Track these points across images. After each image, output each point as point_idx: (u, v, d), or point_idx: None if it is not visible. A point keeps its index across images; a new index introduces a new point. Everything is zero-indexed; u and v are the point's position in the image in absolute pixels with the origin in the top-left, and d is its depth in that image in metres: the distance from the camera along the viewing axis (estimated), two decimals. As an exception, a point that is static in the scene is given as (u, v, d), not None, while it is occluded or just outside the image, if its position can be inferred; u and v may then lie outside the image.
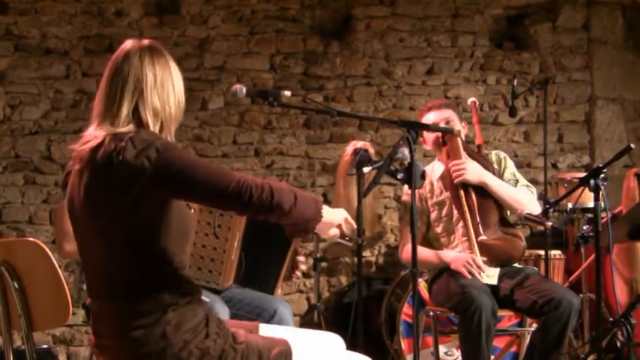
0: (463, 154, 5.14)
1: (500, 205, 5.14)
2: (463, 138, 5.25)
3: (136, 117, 2.98)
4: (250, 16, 7.72)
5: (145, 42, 3.10)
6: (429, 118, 5.29)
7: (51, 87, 7.45)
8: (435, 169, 5.42)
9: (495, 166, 5.32)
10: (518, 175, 5.30)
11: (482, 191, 5.09)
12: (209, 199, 2.98)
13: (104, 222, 2.95)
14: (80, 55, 7.50)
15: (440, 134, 5.20)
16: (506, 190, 5.11)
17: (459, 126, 5.32)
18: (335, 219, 3.23)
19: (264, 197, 2.88)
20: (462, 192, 5.06)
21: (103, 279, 3.02)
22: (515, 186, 5.20)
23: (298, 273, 4.54)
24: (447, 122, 5.26)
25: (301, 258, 4.66)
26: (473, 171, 5.08)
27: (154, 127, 3.00)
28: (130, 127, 2.96)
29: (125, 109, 2.97)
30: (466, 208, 5.02)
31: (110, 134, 2.94)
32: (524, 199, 5.05)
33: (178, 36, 7.56)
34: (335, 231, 3.24)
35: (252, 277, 4.44)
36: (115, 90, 3.00)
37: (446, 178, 5.20)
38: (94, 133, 2.99)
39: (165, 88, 3.04)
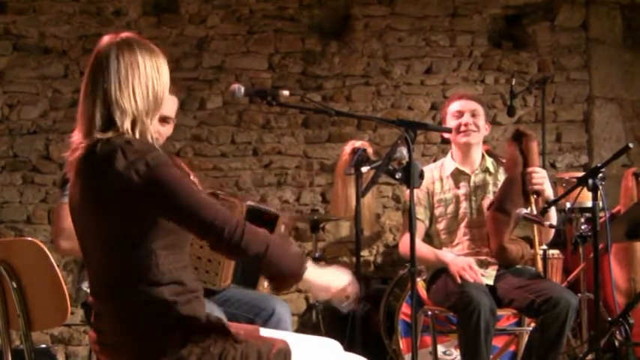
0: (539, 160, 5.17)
1: None
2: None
3: (110, 119, 2.95)
4: (249, 16, 7.73)
5: (117, 38, 3.05)
6: (455, 106, 5.33)
7: (49, 86, 7.45)
8: (445, 166, 5.43)
9: None
10: None
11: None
12: (187, 224, 2.94)
13: (100, 226, 2.96)
14: (78, 54, 7.50)
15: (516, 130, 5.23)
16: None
17: (483, 123, 5.33)
18: (331, 285, 3.17)
19: (234, 238, 2.87)
20: (532, 198, 5.04)
21: (103, 279, 3.03)
22: None
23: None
24: (473, 114, 5.28)
25: None
26: (548, 183, 5.10)
27: (123, 125, 2.94)
28: (110, 134, 2.93)
29: (98, 113, 2.94)
30: (535, 214, 5.00)
31: (100, 140, 2.92)
32: None
33: (177, 35, 7.56)
34: (325, 295, 3.18)
35: (246, 276, 4.44)
36: (88, 95, 2.99)
37: (514, 177, 5.14)
38: (79, 140, 2.99)
39: (130, 81, 2.97)
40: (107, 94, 2.95)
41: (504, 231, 5.05)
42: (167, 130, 4.33)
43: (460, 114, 5.29)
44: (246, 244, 2.88)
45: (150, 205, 2.89)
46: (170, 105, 4.23)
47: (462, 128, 5.27)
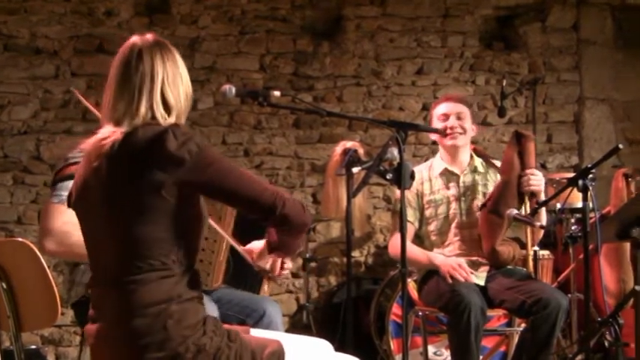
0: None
1: None
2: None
3: (152, 114, 3.03)
4: (240, 16, 7.73)
5: (150, 38, 3.13)
6: (440, 109, 5.34)
7: (40, 87, 7.44)
8: (434, 166, 5.44)
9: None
10: None
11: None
12: (241, 203, 3.08)
13: (125, 209, 2.97)
14: (70, 54, 7.49)
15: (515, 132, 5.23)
16: None
17: (470, 123, 5.34)
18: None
19: (297, 212, 3.07)
20: (527, 198, 5.05)
21: (112, 266, 3.03)
22: None
23: (284, 272, 4.47)
24: (459, 117, 5.29)
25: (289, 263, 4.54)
26: (543, 187, 5.12)
27: (166, 121, 3.03)
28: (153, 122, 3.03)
29: (143, 108, 3.01)
30: (526, 214, 5.01)
31: (140, 126, 2.99)
32: None
33: (168, 36, 7.54)
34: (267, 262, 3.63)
35: (240, 277, 4.43)
36: (131, 90, 3.03)
37: (510, 180, 5.11)
38: (113, 130, 3.02)
39: (176, 83, 3.09)
40: (156, 92, 3.04)
41: (497, 233, 5.06)
42: None
43: (446, 117, 5.30)
44: (308, 217, 3.14)
45: (199, 187, 3.00)
46: None
47: (448, 131, 5.29)
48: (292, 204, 3.04)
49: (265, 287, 4.59)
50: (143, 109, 3.00)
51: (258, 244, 3.60)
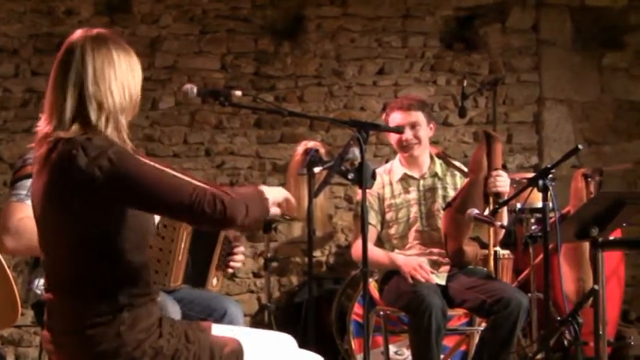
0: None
1: None
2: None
3: (80, 112, 2.93)
4: (201, 16, 7.71)
5: (92, 32, 3.04)
6: (395, 118, 5.30)
7: (0, 86, 7.38)
8: (394, 170, 5.44)
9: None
10: None
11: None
12: (161, 211, 2.98)
13: (61, 222, 2.95)
14: (30, 53, 7.44)
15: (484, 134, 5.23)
16: None
17: (425, 128, 5.33)
18: (276, 198, 3.23)
19: (217, 212, 2.85)
20: (492, 199, 5.07)
21: (61, 276, 3.01)
22: None
23: (235, 264, 4.42)
24: (412, 126, 5.27)
25: (240, 248, 4.46)
26: (508, 187, 5.14)
27: (98, 120, 2.94)
28: (76, 127, 2.92)
29: (69, 104, 2.93)
30: (487, 214, 5.02)
31: (63, 138, 2.90)
32: None
33: (129, 35, 7.51)
34: (276, 210, 3.24)
35: (192, 274, 4.42)
36: (58, 86, 2.97)
37: (478, 180, 5.12)
38: (46, 132, 2.96)
39: (107, 77, 2.96)
40: (82, 87, 2.94)
41: (465, 233, 5.09)
42: None
43: None
44: (231, 215, 2.89)
45: (116, 201, 2.89)
46: None
47: (404, 143, 5.29)
48: (213, 205, 2.85)
49: (214, 281, 4.56)
50: (69, 108, 2.93)
51: None
